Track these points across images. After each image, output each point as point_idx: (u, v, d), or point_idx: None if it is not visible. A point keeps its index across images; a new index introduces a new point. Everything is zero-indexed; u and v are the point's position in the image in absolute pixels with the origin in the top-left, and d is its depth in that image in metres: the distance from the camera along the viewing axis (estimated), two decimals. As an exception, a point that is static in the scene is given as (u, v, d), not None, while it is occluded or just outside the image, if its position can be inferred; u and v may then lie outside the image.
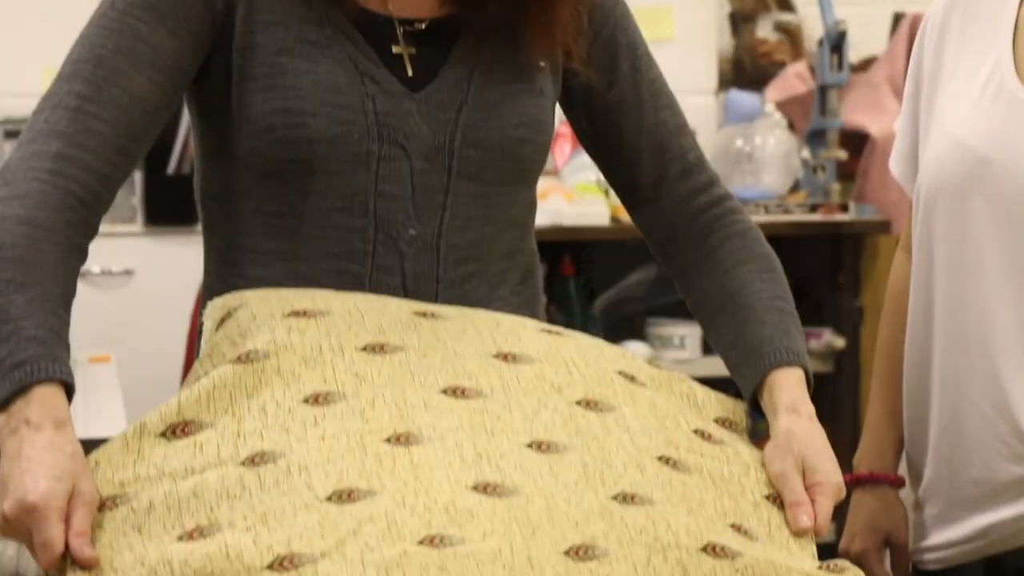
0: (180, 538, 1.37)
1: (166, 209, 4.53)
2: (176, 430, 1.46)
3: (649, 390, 1.62)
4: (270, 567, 1.34)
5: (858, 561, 1.95)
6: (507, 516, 1.41)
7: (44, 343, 1.44)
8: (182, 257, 4.36)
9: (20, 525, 1.38)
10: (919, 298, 1.89)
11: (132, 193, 4.53)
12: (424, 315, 1.60)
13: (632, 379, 1.62)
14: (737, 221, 1.80)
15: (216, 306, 1.60)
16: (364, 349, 1.53)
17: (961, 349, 1.83)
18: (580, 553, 1.41)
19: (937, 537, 1.90)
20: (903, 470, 2.00)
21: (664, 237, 1.83)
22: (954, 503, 1.86)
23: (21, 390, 1.42)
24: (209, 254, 1.77)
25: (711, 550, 1.45)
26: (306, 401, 1.48)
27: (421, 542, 1.37)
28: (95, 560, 1.36)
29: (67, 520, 1.38)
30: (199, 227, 1.80)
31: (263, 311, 1.56)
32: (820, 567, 1.50)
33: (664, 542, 1.44)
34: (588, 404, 1.56)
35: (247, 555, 1.35)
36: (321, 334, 1.54)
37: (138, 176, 4.50)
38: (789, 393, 1.65)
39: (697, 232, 1.80)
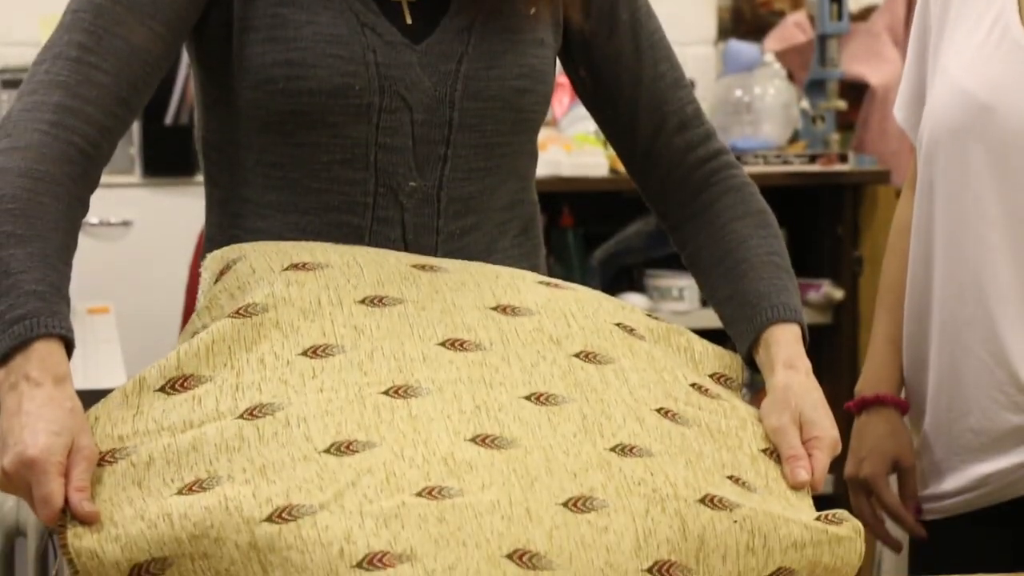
0: (180, 491, 1.38)
1: (164, 159, 4.52)
2: (175, 384, 1.47)
3: (647, 343, 1.62)
4: (269, 519, 1.34)
5: (866, 486, 1.96)
6: (505, 468, 1.41)
7: (44, 298, 1.44)
8: (180, 208, 4.36)
9: (20, 480, 1.38)
10: (919, 245, 1.90)
11: (130, 143, 4.51)
12: (423, 268, 1.60)
13: (631, 331, 1.62)
14: (734, 176, 1.80)
15: (215, 258, 1.59)
16: (363, 302, 1.53)
17: (959, 297, 1.83)
18: (578, 504, 1.41)
19: (936, 487, 1.90)
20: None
21: (660, 190, 1.82)
22: (953, 451, 1.87)
23: (21, 345, 1.42)
24: (210, 205, 1.76)
25: (709, 501, 1.45)
26: (304, 354, 1.48)
27: (419, 493, 1.37)
28: (95, 515, 1.36)
29: (66, 475, 1.38)
30: (197, 178, 1.80)
31: (262, 264, 1.55)
32: (818, 518, 1.50)
33: (662, 493, 1.44)
34: (587, 356, 1.56)
35: (246, 507, 1.35)
36: (320, 287, 1.53)
37: (136, 126, 4.48)
38: (786, 349, 1.65)
39: (693, 186, 1.79)
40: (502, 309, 1.57)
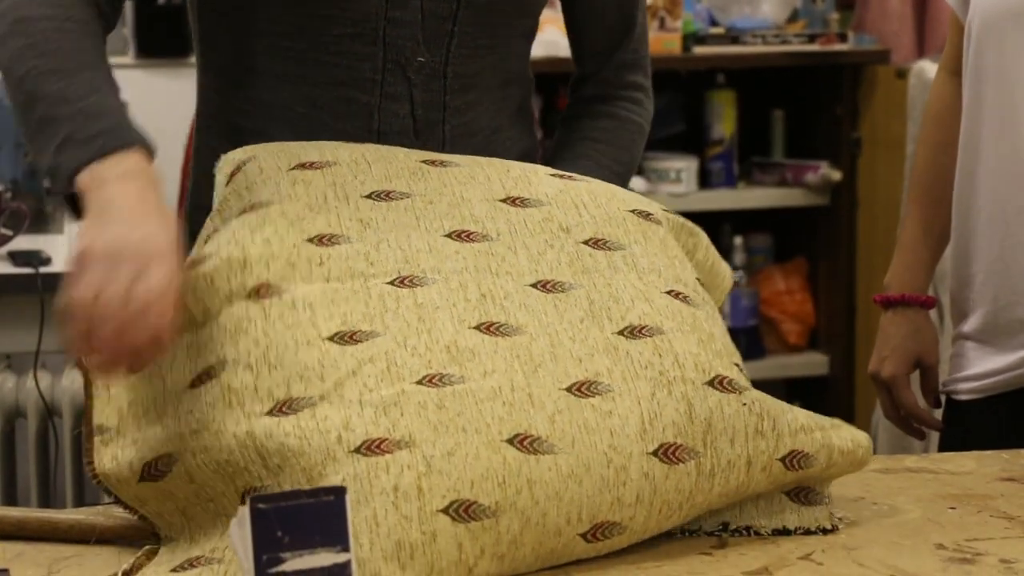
0: (192, 384, 1.39)
1: (158, 40, 4.48)
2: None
3: (663, 228, 1.60)
4: (269, 412, 1.35)
5: (887, 385, 1.97)
6: (509, 354, 1.41)
7: (121, 113, 1.54)
8: (175, 90, 4.33)
9: (112, 266, 1.36)
10: (968, 133, 1.88)
11: (123, 24, 4.47)
12: (433, 163, 1.59)
13: (647, 216, 1.60)
14: (636, 111, 1.85)
15: (227, 160, 1.58)
16: (369, 196, 1.52)
17: (1008, 187, 1.83)
18: (582, 389, 1.41)
19: (974, 368, 1.90)
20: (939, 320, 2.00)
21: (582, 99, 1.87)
22: (997, 339, 1.87)
23: (120, 148, 1.49)
24: (206, 70, 1.75)
25: (718, 383, 1.45)
26: (311, 241, 1.47)
27: (420, 381, 1.37)
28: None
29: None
30: (193, 59, 1.78)
31: (270, 164, 1.54)
32: None
33: (669, 376, 1.43)
34: (596, 243, 1.54)
35: (248, 401, 1.36)
36: (327, 184, 1.52)
37: (129, 7, 4.44)
38: None
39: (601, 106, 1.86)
40: (511, 201, 1.56)
